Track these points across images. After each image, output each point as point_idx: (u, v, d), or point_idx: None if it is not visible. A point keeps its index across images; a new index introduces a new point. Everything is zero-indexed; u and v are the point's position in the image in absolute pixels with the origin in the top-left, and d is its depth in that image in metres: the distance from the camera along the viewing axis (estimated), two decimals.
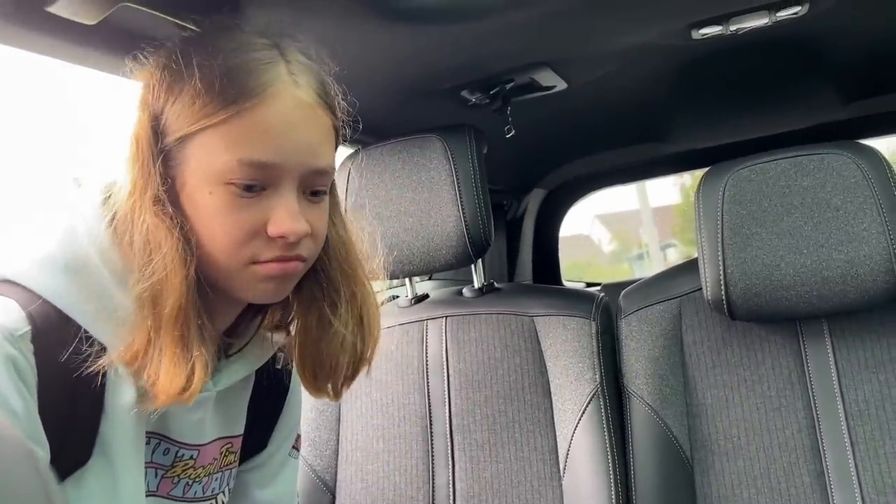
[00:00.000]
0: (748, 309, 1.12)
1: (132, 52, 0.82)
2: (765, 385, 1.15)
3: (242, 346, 0.82)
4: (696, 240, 1.17)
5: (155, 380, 0.67)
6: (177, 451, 0.77)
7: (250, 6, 0.95)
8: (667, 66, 1.51)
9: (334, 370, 0.83)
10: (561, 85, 1.47)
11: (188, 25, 0.92)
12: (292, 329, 0.85)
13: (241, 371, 0.80)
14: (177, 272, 0.67)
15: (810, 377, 1.13)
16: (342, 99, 0.79)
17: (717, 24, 1.26)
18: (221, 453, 0.83)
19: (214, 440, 0.81)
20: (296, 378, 0.93)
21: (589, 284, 2.65)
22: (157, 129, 0.69)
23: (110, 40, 0.93)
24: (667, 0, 1.15)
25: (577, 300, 1.32)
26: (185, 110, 0.68)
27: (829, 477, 1.08)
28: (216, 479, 0.83)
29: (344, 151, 1.58)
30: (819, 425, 1.10)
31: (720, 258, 1.12)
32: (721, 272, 1.12)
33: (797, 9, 1.22)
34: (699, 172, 1.86)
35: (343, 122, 0.78)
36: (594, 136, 1.99)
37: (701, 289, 1.16)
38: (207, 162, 0.68)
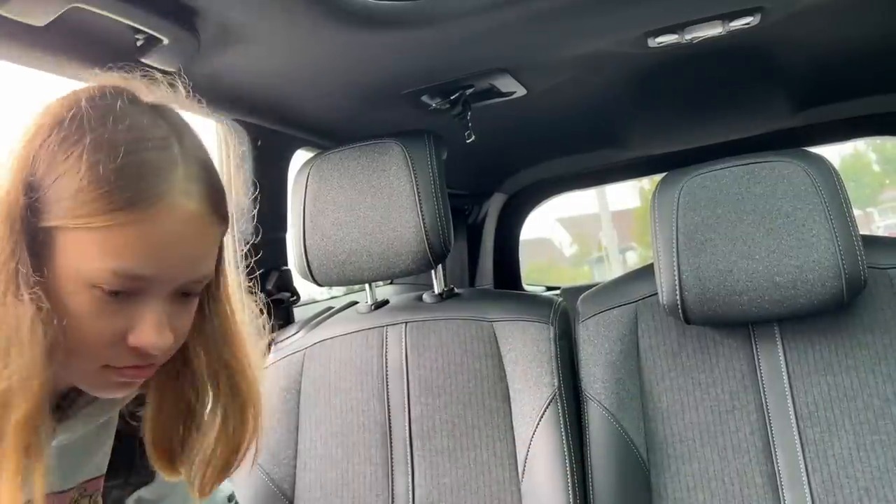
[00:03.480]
0: (702, 313, 1.14)
1: (85, 55, 0.81)
2: (718, 388, 1.17)
3: (85, 405, 0.73)
4: (651, 246, 1.19)
5: None
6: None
7: (207, 10, 0.94)
8: (624, 73, 1.53)
9: (192, 458, 0.74)
10: (520, 91, 1.48)
11: (142, 28, 0.91)
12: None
13: (78, 427, 0.72)
14: (33, 376, 0.59)
15: (762, 380, 1.15)
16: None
17: (673, 32, 1.29)
18: (72, 500, 0.74)
19: (60, 492, 0.73)
20: None
21: (549, 289, 2.67)
22: (31, 203, 0.60)
23: (62, 43, 0.91)
24: (623, 9, 1.17)
25: (536, 305, 1.33)
26: (66, 198, 0.60)
27: (780, 477, 1.10)
28: None
29: (303, 156, 1.57)
30: (770, 427, 1.13)
31: (675, 264, 1.14)
32: (676, 277, 1.14)
33: (749, 19, 1.25)
34: (658, 177, 1.89)
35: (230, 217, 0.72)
36: (553, 141, 2.01)
37: (657, 294, 1.18)
38: (78, 262, 0.60)
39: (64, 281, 0.61)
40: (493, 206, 2.36)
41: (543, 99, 1.55)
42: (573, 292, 1.60)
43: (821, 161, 1.14)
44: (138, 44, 0.94)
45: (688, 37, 1.30)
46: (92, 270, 0.60)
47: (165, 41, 0.94)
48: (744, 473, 1.12)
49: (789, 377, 1.14)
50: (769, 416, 1.13)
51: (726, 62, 1.52)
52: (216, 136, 1.45)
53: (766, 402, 1.14)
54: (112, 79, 0.68)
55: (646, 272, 1.25)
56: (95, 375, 0.65)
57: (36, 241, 0.61)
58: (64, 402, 0.71)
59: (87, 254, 0.60)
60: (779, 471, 1.10)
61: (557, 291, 2.53)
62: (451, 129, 1.47)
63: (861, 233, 1.10)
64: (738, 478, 1.12)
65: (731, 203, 1.13)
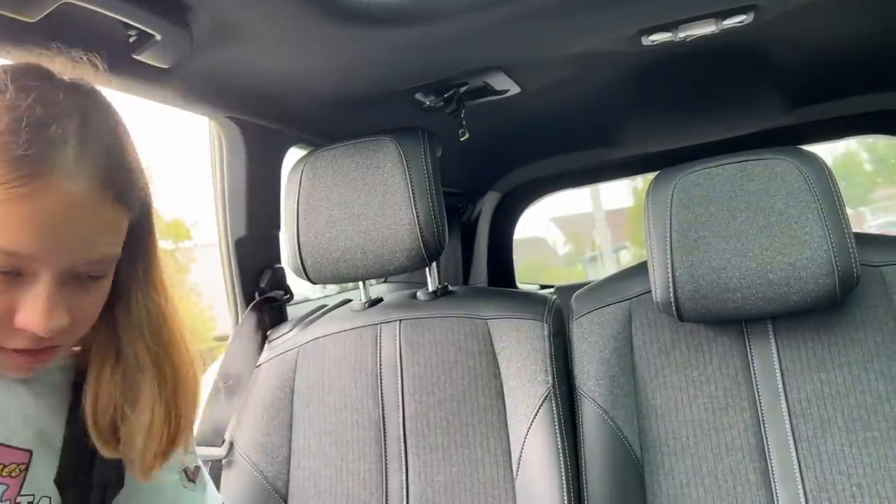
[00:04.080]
0: (696, 311, 1.14)
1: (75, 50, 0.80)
2: (712, 385, 1.17)
3: None
4: (645, 243, 1.19)
5: None
6: None
7: (199, 7, 0.93)
8: (618, 71, 1.53)
9: (132, 439, 0.71)
10: (514, 89, 1.48)
11: (135, 24, 0.91)
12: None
13: None
14: None
15: (755, 377, 1.15)
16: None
17: (666, 30, 1.29)
18: None
19: None
20: None
21: (543, 287, 2.67)
22: None
23: (54, 39, 0.90)
24: (617, 7, 1.17)
25: (530, 303, 1.33)
26: None
27: (773, 474, 1.10)
28: None
29: (297, 153, 1.57)
30: (764, 424, 1.13)
31: (669, 261, 1.14)
32: (670, 275, 1.14)
33: (742, 18, 1.26)
34: (651, 176, 1.89)
35: (142, 199, 0.68)
36: (547, 140, 2.01)
37: (650, 291, 1.18)
38: None
39: None
40: (488, 205, 2.36)
41: (537, 97, 1.55)
42: (567, 290, 1.61)
43: (814, 159, 1.14)
44: (131, 40, 0.94)
45: (681, 35, 1.30)
46: None
47: (158, 37, 0.93)
48: (737, 470, 1.12)
49: (782, 374, 1.14)
50: (762, 414, 1.13)
51: (720, 60, 1.52)
52: (209, 133, 1.45)
53: (759, 400, 1.14)
54: (33, 57, 0.65)
55: (640, 270, 1.25)
56: None
57: None
58: None
59: None
60: (772, 468, 1.11)
61: (552, 290, 2.53)
62: (446, 127, 1.47)
63: (854, 231, 1.10)
64: (731, 475, 1.12)
65: (725, 200, 1.13)
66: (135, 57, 0.96)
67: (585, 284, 1.38)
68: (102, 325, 0.71)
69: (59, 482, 0.71)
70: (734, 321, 1.17)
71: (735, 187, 1.14)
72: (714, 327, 1.19)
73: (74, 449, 0.73)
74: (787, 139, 1.97)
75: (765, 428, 1.13)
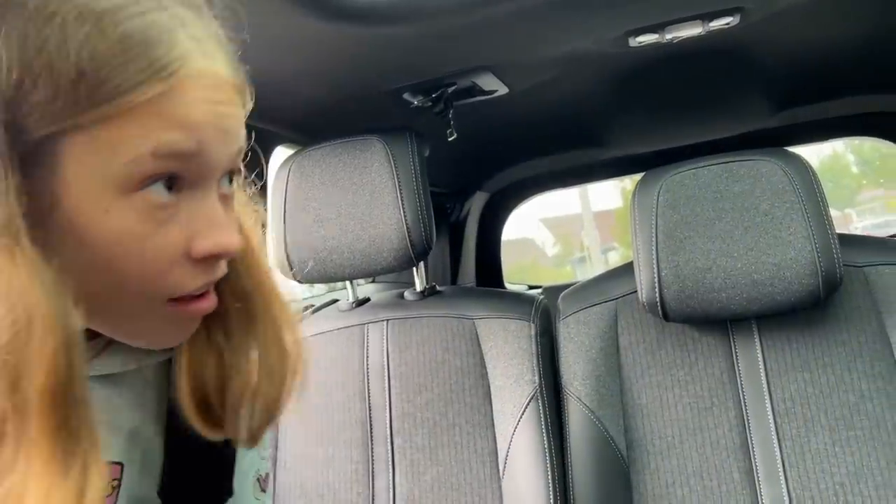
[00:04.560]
0: (681, 311, 1.15)
1: None
2: (697, 385, 1.18)
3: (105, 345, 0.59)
4: (631, 243, 1.20)
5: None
6: None
7: None
8: (605, 72, 1.54)
9: (235, 405, 0.61)
10: (502, 90, 1.49)
11: None
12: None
13: (102, 368, 0.58)
14: (50, 332, 0.45)
15: (740, 377, 1.16)
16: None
17: (653, 32, 1.29)
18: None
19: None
20: None
21: (531, 287, 2.67)
22: (8, 123, 0.45)
23: None
24: (604, 8, 1.18)
25: (517, 302, 1.33)
26: (61, 95, 0.46)
27: (757, 473, 1.11)
28: None
29: (283, 152, 1.56)
30: (748, 423, 1.14)
31: (655, 261, 1.15)
32: (656, 275, 1.14)
33: (728, 19, 1.26)
34: (639, 177, 1.90)
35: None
36: (535, 140, 2.01)
37: (636, 291, 1.19)
38: (100, 165, 0.47)
39: (87, 201, 0.47)
40: (476, 205, 2.36)
41: (525, 97, 1.55)
42: (555, 291, 1.61)
43: (798, 160, 1.15)
44: None
45: (668, 36, 1.31)
46: (124, 166, 0.47)
47: None
48: (722, 469, 1.13)
49: (767, 374, 1.15)
50: (747, 413, 1.14)
51: (707, 62, 1.53)
52: None
53: (744, 399, 1.15)
54: None
55: (626, 270, 1.26)
56: (152, 318, 0.53)
57: (27, 165, 0.46)
58: None
59: (111, 150, 0.47)
60: (756, 466, 1.11)
61: (539, 290, 2.53)
62: (434, 127, 1.47)
63: (838, 232, 1.11)
64: (716, 474, 1.13)
65: (710, 201, 1.14)
66: None
67: (573, 285, 1.39)
68: None
69: (164, 493, 0.62)
70: (719, 321, 1.18)
71: (720, 188, 1.14)
72: (699, 327, 1.20)
73: (177, 452, 0.63)
74: (773, 141, 1.98)
75: (749, 427, 1.13)
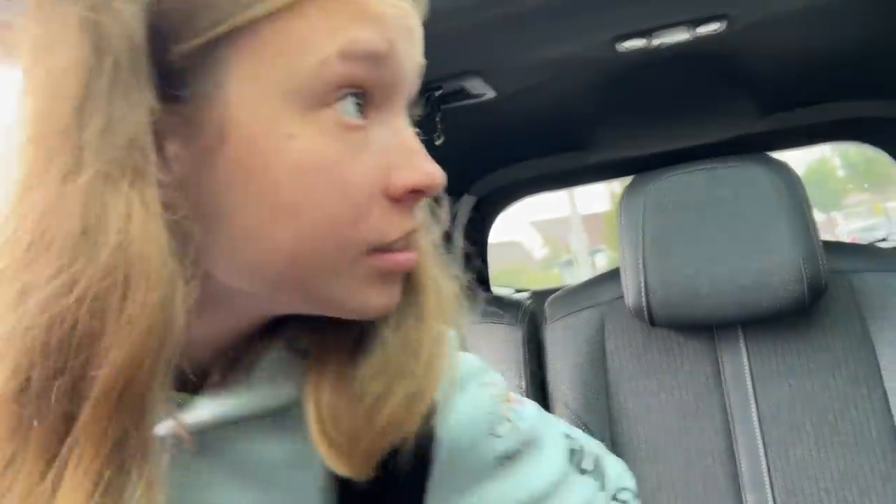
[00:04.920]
0: (667, 316, 1.15)
1: None
2: (683, 390, 1.18)
3: (225, 377, 0.45)
4: (618, 248, 1.20)
5: None
6: None
7: None
8: (593, 77, 1.54)
9: (384, 431, 0.45)
10: (490, 93, 1.48)
11: None
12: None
13: (226, 408, 0.43)
14: (140, 319, 0.33)
15: (726, 382, 1.16)
16: None
17: (641, 37, 1.30)
18: None
19: None
20: (447, 422, 0.53)
21: (518, 291, 2.67)
22: (153, 29, 0.35)
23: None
24: (592, 14, 1.18)
25: (504, 307, 1.33)
26: None
27: (742, 479, 1.11)
28: None
29: None
30: (734, 429, 1.14)
31: (641, 267, 1.15)
32: (642, 280, 1.14)
33: (715, 26, 1.27)
34: (627, 180, 1.90)
35: None
36: (523, 144, 2.01)
37: (623, 296, 1.19)
38: (279, 74, 0.37)
39: (264, 130, 0.37)
40: (463, 208, 2.36)
41: (513, 101, 1.55)
42: (543, 295, 1.61)
43: (783, 167, 1.15)
44: None
45: (655, 42, 1.31)
46: (309, 74, 0.37)
47: None
48: (707, 475, 1.13)
49: (752, 380, 1.15)
50: (732, 418, 1.14)
51: (693, 67, 1.54)
52: None
53: (729, 405, 1.15)
54: None
55: (612, 275, 1.26)
56: (359, 279, 0.41)
57: (176, 86, 0.36)
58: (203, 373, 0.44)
59: (291, 53, 0.37)
60: (741, 472, 1.12)
61: (526, 294, 2.53)
62: (420, 129, 1.46)
63: (825, 237, 1.12)
64: (701, 479, 1.13)
65: (697, 207, 1.15)
66: None
67: (560, 289, 1.39)
68: None
69: None
70: (705, 327, 1.18)
71: (706, 194, 1.15)
72: (685, 333, 1.20)
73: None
74: (759, 145, 1.98)
75: (735, 433, 1.14)
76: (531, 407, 0.62)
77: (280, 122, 0.37)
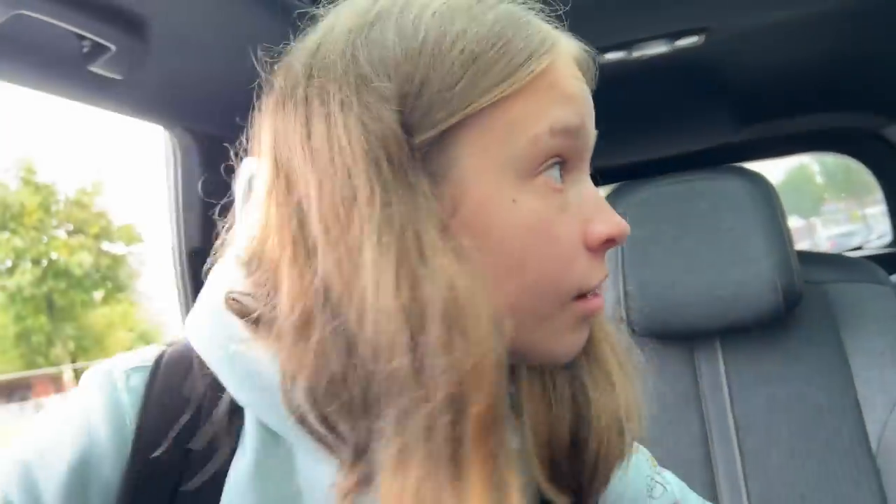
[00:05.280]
0: (646, 325, 1.16)
1: (29, 62, 0.78)
2: (661, 399, 1.19)
3: None
4: None
5: None
6: None
7: (155, 17, 0.93)
8: None
9: (585, 456, 0.53)
10: None
11: (89, 35, 0.89)
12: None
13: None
14: (490, 350, 0.40)
15: (703, 391, 1.18)
16: None
17: (621, 49, 1.32)
18: None
19: None
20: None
21: None
22: (403, 124, 0.44)
23: (5, 50, 0.89)
24: (572, 26, 1.19)
25: None
26: (456, 82, 0.44)
27: (719, 486, 1.13)
28: None
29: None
30: (711, 437, 1.16)
31: (620, 277, 1.16)
32: (621, 290, 1.16)
33: (694, 39, 1.29)
34: (606, 188, 1.92)
35: None
36: None
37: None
38: (501, 150, 0.45)
39: (492, 193, 0.45)
40: None
41: None
42: None
43: (759, 178, 1.18)
44: (84, 51, 0.93)
45: (635, 54, 1.33)
46: (524, 148, 0.45)
47: (113, 48, 0.92)
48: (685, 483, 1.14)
49: (729, 388, 1.17)
50: (710, 427, 1.16)
51: (673, 79, 1.56)
52: (164, 143, 1.43)
53: (707, 413, 1.17)
54: None
55: None
56: (565, 322, 0.48)
57: (422, 169, 0.44)
58: None
59: (511, 132, 0.45)
60: (718, 480, 1.13)
61: None
62: None
63: (804, 242, 1.14)
64: None
65: (675, 218, 1.16)
66: (89, 68, 0.94)
67: None
68: None
69: None
70: (683, 336, 1.20)
71: (685, 206, 1.17)
72: (664, 342, 1.22)
73: None
74: (737, 156, 2.02)
75: (712, 441, 1.15)
76: (670, 474, 0.71)
77: (505, 189, 0.45)
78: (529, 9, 0.51)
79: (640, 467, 0.66)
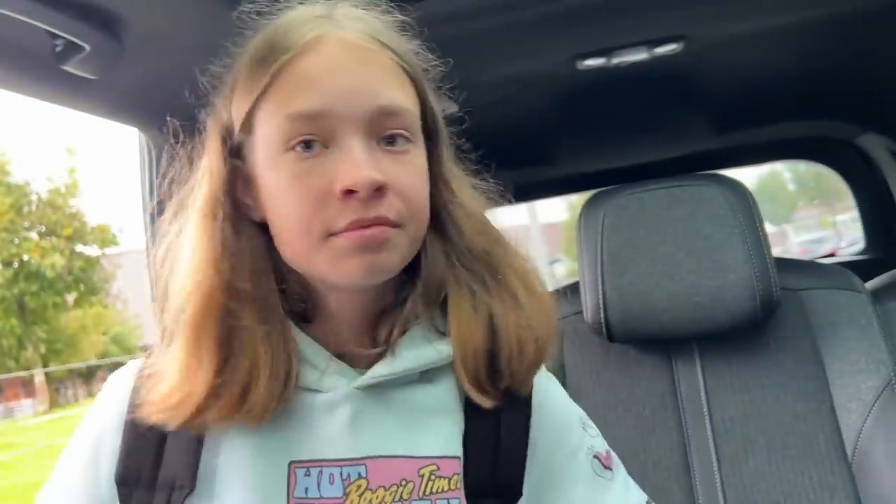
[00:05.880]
0: (625, 332, 1.16)
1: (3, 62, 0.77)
2: (640, 406, 1.20)
3: (385, 348, 0.67)
4: (577, 264, 1.21)
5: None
6: (342, 474, 0.64)
7: (129, 17, 0.91)
8: (553, 93, 1.56)
9: (500, 365, 0.67)
10: (452, 107, 1.49)
11: (62, 34, 0.88)
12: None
13: (383, 370, 0.66)
14: (199, 283, 0.63)
15: (682, 398, 1.18)
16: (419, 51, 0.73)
17: (601, 56, 1.32)
18: (421, 476, 0.65)
19: (395, 457, 0.65)
20: (547, 392, 0.76)
21: None
22: (226, 132, 0.66)
23: None
24: (554, 33, 1.20)
25: None
26: (242, 93, 0.64)
27: (697, 492, 1.13)
28: None
29: None
30: (689, 444, 1.16)
31: (599, 283, 1.16)
32: (600, 296, 1.16)
33: (673, 46, 1.30)
34: (585, 194, 1.93)
35: (422, 70, 0.71)
36: (483, 157, 2.02)
37: (582, 312, 1.20)
38: (267, 135, 0.63)
39: (266, 165, 0.63)
40: None
41: (476, 116, 1.56)
42: None
43: (737, 186, 1.18)
44: (57, 49, 0.91)
45: (615, 61, 1.34)
46: (276, 130, 0.62)
47: (87, 48, 0.91)
48: (663, 489, 1.14)
49: (707, 395, 1.17)
50: (688, 433, 1.16)
51: (651, 86, 1.57)
52: (138, 145, 1.41)
53: (685, 420, 1.17)
54: None
55: (572, 290, 1.27)
56: (323, 252, 0.61)
57: (241, 154, 0.66)
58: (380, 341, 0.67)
59: (269, 119, 0.62)
60: (696, 485, 1.14)
61: None
62: None
63: (776, 248, 1.15)
64: (657, 493, 1.14)
65: (654, 225, 1.17)
66: (62, 67, 0.93)
67: None
68: (442, 257, 0.69)
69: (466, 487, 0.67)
70: (662, 342, 1.20)
71: (663, 212, 1.17)
72: (643, 348, 1.22)
73: (474, 447, 0.69)
74: (714, 162, 2.04)
75: (690, 447, 1.16)
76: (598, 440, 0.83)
77: (270, 162, 0.63)
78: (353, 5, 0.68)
79: (573, 404, 0.81)
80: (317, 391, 0.65)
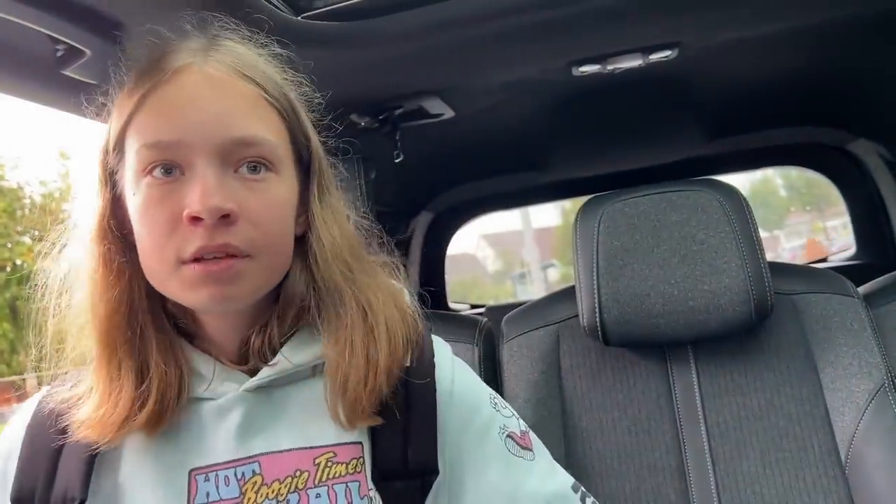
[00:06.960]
0: (620, 335, 1.17)
1: (2, 65, 0.77)
2: (636, 408, 1.20)
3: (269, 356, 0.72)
4: (573, 269, 1.22)
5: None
6: (236, 474, 0.67)
7: (129, 23, 0.92)
8: (548, 99, 1.57)
9: (346, 394, 0.69)
10: (448, 113, 1.50)
11: (63, 39, 0.88)
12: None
13: (269, 371, 0.70)
14: (92, 299, 0.68)
15: (677, 400, 1.19)
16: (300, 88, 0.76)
17: (595, 62, 1.33)
18: (317, 465, 0.68)
19: (288, 450, 0.68)
20: (454, 377, 0.79)
21: (474, 306, 2.69)
22: (105, 156, 0.69)
23: None
24: (549, 39, 1.21)
25: (461, 326, 1.34)
26: (115, 118, 0.68)
27: (692, 495, 1.14)
28: (322, 493, 0.67)
29: None
30: (684, 446, 1.17)
31: (595, 287, 1.17)
32: (596, 300, 1.17)
33: (667, 53, 1.31)
34: (578, 199, 1.94)
35: (289, 106, 0.72)
36: (479, 163, 2.03)
37: (578, 315, 1.21)
38: (130, 160, 0.65)
39: (129, 189, 0.66)
40: (420, 226, 2.37)
41: (471, 121, 1.57)
42: (498, 311, 1.62)
43: (732, 191, 1.19)
44: (59, 54, 0.91)
45: (609, 67, 1.34)
46: (135, 157, 0.64)
47: (88, 53, 0.91)
48: (658, 492, 1.15)
49: (702, 398, 1.18)
50: (683, 436, 1.17)
51: (646, 92, 1.58)
52: None
53: (680, 422, 1.18)
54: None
55: (568, 294, 1.28)
56: (175, 279, 0.64)
57: (115, 175, 0.69)
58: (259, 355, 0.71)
59: (132, 147, 0.65)
60: (691, 488, 1.14)
61: (482, 310, 2.55)
62: (379, 147, 1.47)
63: (768, 256, 1.16)
64: (652, 496, 1.16)
65: (649, 230, 1.18)
66: (62, 72, 0.93)
67: (515, 304, 1.41)
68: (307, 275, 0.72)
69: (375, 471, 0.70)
70: (657, 346, 1.21)
71: (659, 217, 1.18)
72: (638, 352, 1.23)
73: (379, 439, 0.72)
74: (707, 168, 2.05)
75: (685, 450, 1.17)
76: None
77: (132, 187, 0.66)
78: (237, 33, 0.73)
79: (482, 384, 0.84)
80: (210, 399, 0.69)
